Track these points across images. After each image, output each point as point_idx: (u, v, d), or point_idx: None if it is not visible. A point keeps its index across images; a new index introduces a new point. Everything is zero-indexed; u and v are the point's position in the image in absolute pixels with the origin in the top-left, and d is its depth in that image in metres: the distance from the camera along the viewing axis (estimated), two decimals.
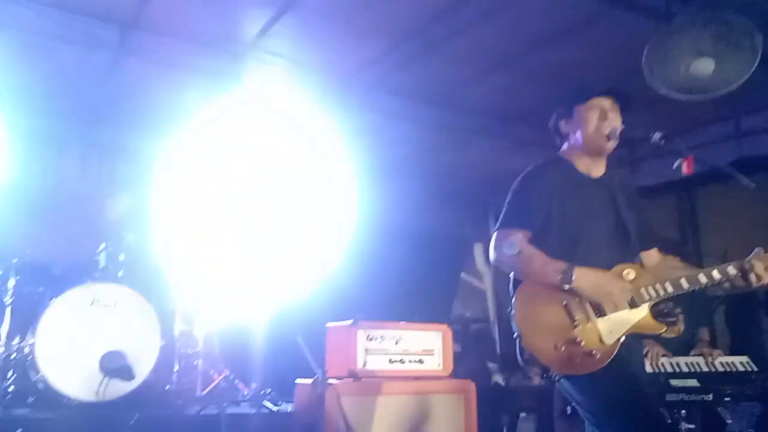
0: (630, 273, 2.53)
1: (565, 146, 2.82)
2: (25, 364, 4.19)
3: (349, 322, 4.21)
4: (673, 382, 3.82)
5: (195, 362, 4.93)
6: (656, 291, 2.50)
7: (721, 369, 3.89)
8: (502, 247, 2.61)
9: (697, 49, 4.00)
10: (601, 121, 2.68)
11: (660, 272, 2.60)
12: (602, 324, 2.43)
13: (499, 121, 6.55)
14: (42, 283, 4.88)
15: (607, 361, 2.38)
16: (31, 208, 5.30)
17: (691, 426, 3.70)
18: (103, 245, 4.93)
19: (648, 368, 3.94)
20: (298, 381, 4.21)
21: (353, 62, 5.55)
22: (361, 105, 6.01)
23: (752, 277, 2.44)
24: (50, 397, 4.05)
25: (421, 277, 7.09)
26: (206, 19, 4.93)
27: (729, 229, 6.15)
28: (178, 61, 5.32)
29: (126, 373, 4.17)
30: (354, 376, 4.06)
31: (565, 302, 2.46)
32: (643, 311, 2.49)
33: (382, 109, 6.16)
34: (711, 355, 3.95)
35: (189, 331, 5.07)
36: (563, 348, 2.40)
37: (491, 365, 5.86)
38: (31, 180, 6.42)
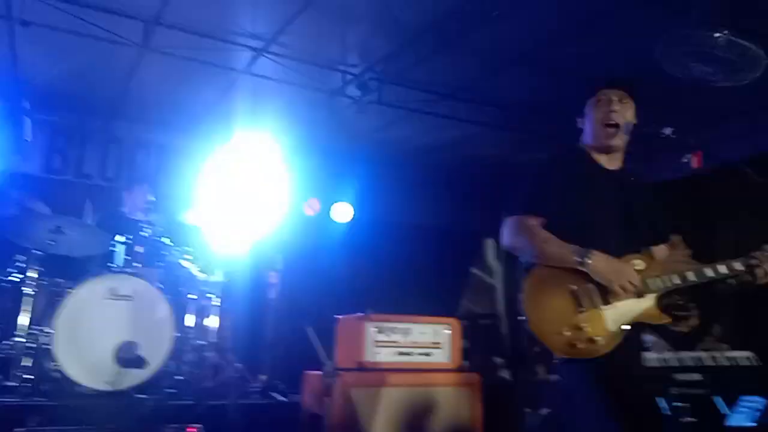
0: (639, 263, 2.55)
1: (582, 139, 2.83)
2: (42, 354, 4.30)
3: (360, 314, 4.28)
4: (678, 376, 3.84)
5: (206, 353, 5.02)
6: (663, 282, 2.52)
7: (725, 364, 3.89)
8: (516, 231, 2.63)
9: (704, 48, 4.00)
10: (606, 113, 2.68)
11: (668, 265, 2.62)
12: (608, 312, 2.46)
13: (514, 115, 6.54)
14: (62, 274, 5.01)
15: (609, 349, 2.42)
16: (53, 200, 5.43)
17: (692, 419, 3.71)
18: (121, 238, 5.02)
19: (654, 362, 3.95)
20: (307, 372, 4.29)
21: (370, 56, 5.59)
22: (377, 99, 6.05)
23: (759, 272, 2.48)
24: (65, 386, 4.15)
25: (431, 272, 7.12)
26: (226, 14, 5.01)
27: (742, 224, 6.09)
28: (197, 56, 5.41)
29: (139, 363, 4.27)
30: (363, 367, 4.12)
31: (573, 288, 2.48)
32: (649, 301, 2.51)
33: (397, 103, 6.20)
34: (717, 350, 3.95)
35: (201, 323, 5.15)
36: (567, 333, 2.43)
37: (498, 360, 5.87)
38: (52, 173, 6.60)
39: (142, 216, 5.38)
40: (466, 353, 4.57)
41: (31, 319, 4.42)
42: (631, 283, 2.46)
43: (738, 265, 2.51)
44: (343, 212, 7.20)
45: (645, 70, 4.54)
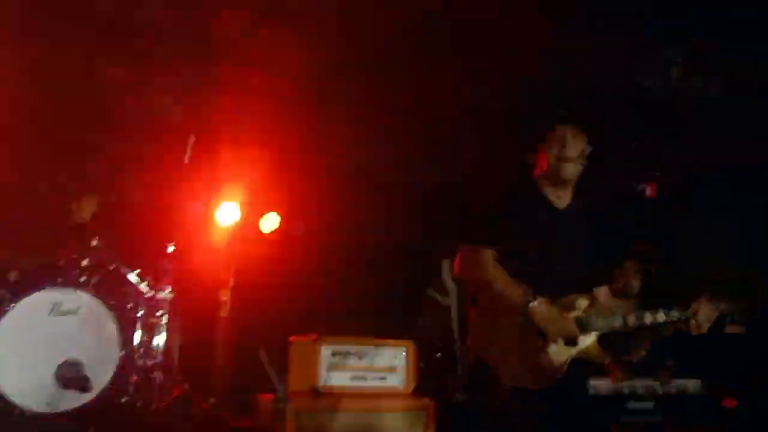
0: (582, 303, 2.64)
1: (536, 173, 2.86)
2: None
3: (313, 336, 4.21)
4: (630, 404, 3.91)
5: (153, 374, 4.86)
6: (605, 323, 2.63)
7: (674, 392, 3.99)
8: (469, 263, 2.69)
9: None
10: (561, 150, 2.73)
11: (609, 307, 2.72)
12: (551, 347, 2.55)
13: (472, 134, 6.57)
14: (1, 287, 4.79)
15: (554, 380, 2.52)
16: None
17: None
18: (65, 249, 4.84)
19: (606, 390, 4.00)
20: (260, 396, 4.20)
21: (319, 68, 5.54)
22: (334, 112, 6.00)
23: (692, 324, 2.65)
24: (2, 406, 3.96)
25: (386, 292, 7.10)
26: (184, 20, 4.89)
27: (704, 247, 6.24)
28: (153, 62, 5.27)
29: (82, 383, 4.10)
30: (315, 392, 4.06)
31: (521, 320, 2.55)
32: (590, 338, 2.61)
33: (354, 117, 6.16)
34: (666, 381, 4.02)
35: (149, 342, 4.99)
36: (515, 362, 2.52)
37: (453, 383, 5.87)
38: None
39: (89, 228, 5.17)
40: (421, 376, 4.54)
41: None
42: (565, 337, 2.54)
43: (675, 314, 2.66)
44: (296, 227, 7.09)
45: (610, 87, 4.65)
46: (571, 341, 2.55)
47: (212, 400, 4.94)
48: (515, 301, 2.55)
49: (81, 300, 4.42)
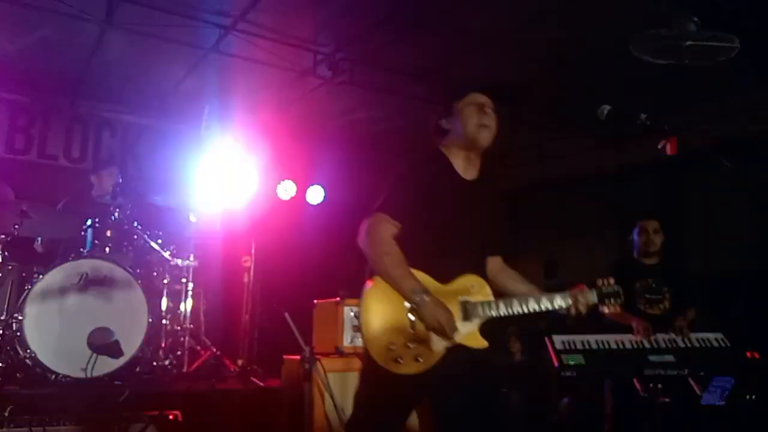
0: (474, 287, 2.61)
1: (445, 142, 2.78)
2: (14, 341, 4.20)
3: (336, 298, 4.26)
4: (651, 357, 3.90)
5: (182, 339, 4.96)
6: (488, 310, 2.59)
7: (696, 345, 3.98)
8: (372, 239, 2.57)
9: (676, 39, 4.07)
10: (480, 116, 2.68)
11: (500, 285, 2.76)
12: (434, 335, 2.51)
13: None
14: (30, 259, 4.88)
15: (427, 367, 2.48)
16: (17, 181, 5.25)
17: (666, 399, 3.80)
18: (89, 221, 4.90)
19: (628, 344, 4.01)
20: (285, 357, 4.27)
21: (342, 36, 5.53)
22: (348, 80, 5.99)
23: (572, 310, 2.68)
24: (38, 373, 4.09)
25: None
26: None
27: (713, 209, 6.22)
28: (163, 33, 5.26)
29: (114, 350, 4.19)
30: (340, 352, 4.12)
31: (410, 306, 2.51)
32: (474, 325, 2.57)
33: (368, 84, 6.14)
34: (683, 333, 4.01)
35: (176, 308, 5.08)
36: (394, 348, 2.48)
37: None
38: (15, 155, 6.40)
39: (110, 199, 5.22)
40: None
41: None
42: (445, 335, 2.49)
43: (559, 301, 2.67)
44: (315, 194, 7.17)
45: (615, 54, 4.61)
46: (467, 316, 2.54)
47: (240, 361, 5.04)
48: (407, 294, 2.49)
49: (108, 270, 4.46)
